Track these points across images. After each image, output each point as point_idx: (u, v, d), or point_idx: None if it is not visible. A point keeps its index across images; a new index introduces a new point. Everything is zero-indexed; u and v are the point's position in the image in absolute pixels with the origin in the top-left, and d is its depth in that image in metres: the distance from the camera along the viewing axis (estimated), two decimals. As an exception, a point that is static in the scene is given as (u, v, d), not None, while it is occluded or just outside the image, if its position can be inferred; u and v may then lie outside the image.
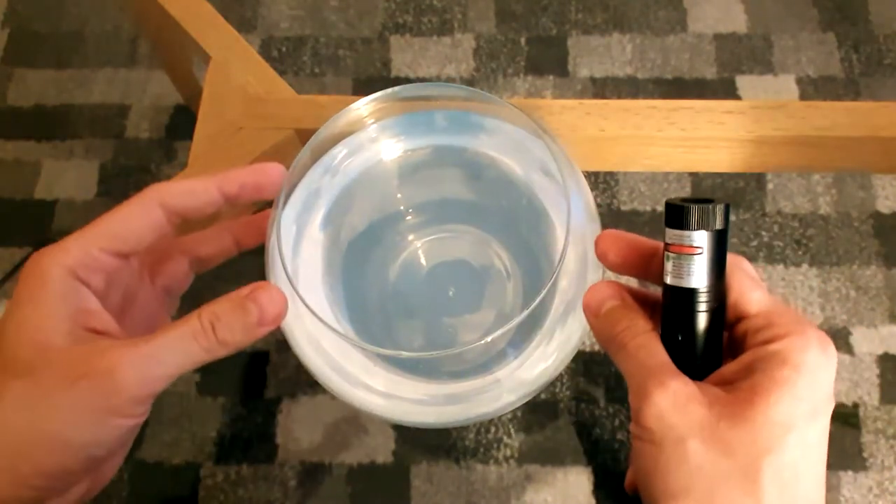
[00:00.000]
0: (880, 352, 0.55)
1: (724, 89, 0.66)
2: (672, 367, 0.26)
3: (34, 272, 0.27)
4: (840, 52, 0.67)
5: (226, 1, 0.71)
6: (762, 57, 0.67)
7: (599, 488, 0.51)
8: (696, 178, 0.62)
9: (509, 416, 0.54)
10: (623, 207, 0.61)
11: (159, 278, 0.33)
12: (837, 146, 0.40)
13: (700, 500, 0.24)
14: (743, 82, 0.66)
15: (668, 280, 0.28)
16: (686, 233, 0.27)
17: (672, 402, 0.25)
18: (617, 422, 0.53)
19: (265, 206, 0.33)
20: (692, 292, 0.27)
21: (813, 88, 0.65)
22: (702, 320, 0.27)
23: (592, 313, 0.29)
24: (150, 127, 0.66)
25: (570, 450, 0.53)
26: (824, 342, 0.26)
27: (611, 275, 0.32)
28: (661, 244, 0.29)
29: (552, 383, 0.54)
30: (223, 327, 0.26)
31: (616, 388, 0.54)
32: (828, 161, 0.41)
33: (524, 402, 0.34)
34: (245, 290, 0.27)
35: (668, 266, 0.28)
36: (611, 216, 0.60)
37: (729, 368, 0.27)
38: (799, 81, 0.66)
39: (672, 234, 0.27)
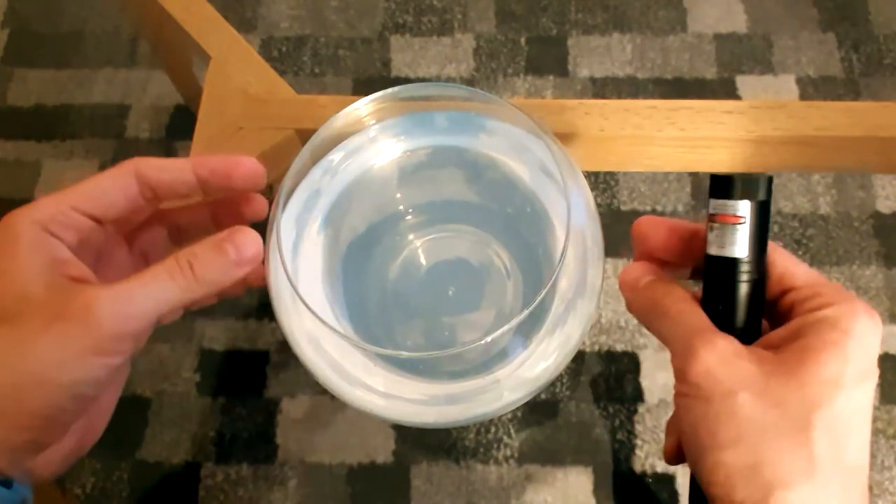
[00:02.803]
0: (880, 352, 0.55)
1: (724, 89, 0.66)
2: (716, 328, 0.27)
3: (6, 229, 0.28)
4: (840, 52, 0.67)
5: (226, 1, 0.71)
6: (762, 57, 0.67)
7: (599, 488, 0.51)
8: (696, 178, 0.62)
9: (509, 416, 0.54)
10: (623, 207, 0.61)
11: (137, 243, 0.33)
12: (837, 146, 0.40)
13: (750, 451, 0.24)
14: (743, 82, 0.66)
15: (712, 250, 0.28)
16: (730, 202, 0.28)
17: (720, 358, 0.25)
18: (617, 422, 0.53)
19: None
20: (735, 262, 0.28)
21: (813, 88, 0.65)
22: (743, 290, 0.28)
23: (630, 287, 0.30)
24: (150, 127, 0.66)
25: (570, 450, 0.53)
26: (871, 312, 0.26)
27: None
28: (699, 226, 0.30)
29: (552, 383, 0.54)
30: (200, 264, 0.27)
31: (616, 388, 0.54)
32: (828, 161, 0.41)
33: (524, 401, 0.34)
34: (222, 234, 0.28)
35: (711, 236, 0.28)
36: (611, 216, 0.60)
37: (776, 334, 0.27)
38: (799, 81, 0.66)
39: (716, 205, 0.28)
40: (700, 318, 0.27)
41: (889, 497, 0.51)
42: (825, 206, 0.60)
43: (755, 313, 0.28)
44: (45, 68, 0.69)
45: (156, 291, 0.26)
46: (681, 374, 0.26)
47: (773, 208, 0.60)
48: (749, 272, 0.28)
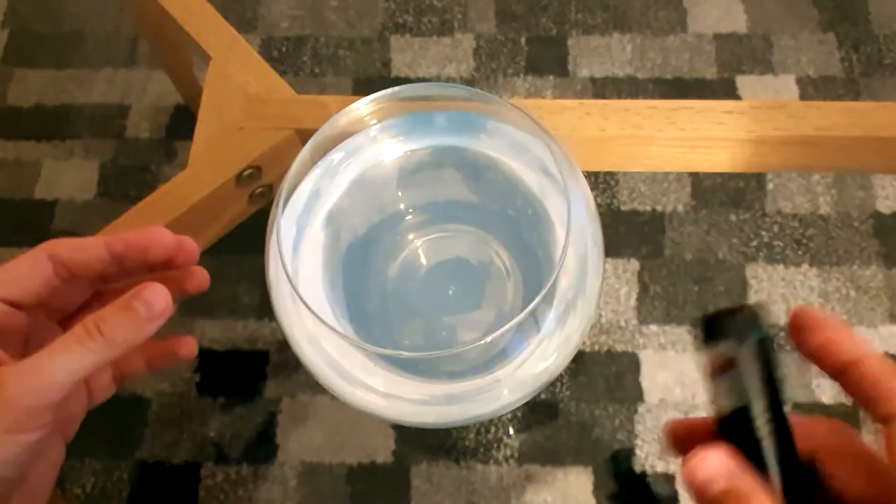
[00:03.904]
0: (880, 352, 0.55)
1: (724, 89, 0.66)
2: None
3: None
4: (840, 52, 0.67)
5: (226, 1, 0.71)
6: (762, 57, 0.67)
7: (599, 488, 0.51)
8: (696, 177, 0.62)
9: (509, 416, 0.54)
10: (623, 207, 0.61)
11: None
12: (837, 146, 0.40)
13: None
14: (743, 82, 0.66)
15: (720, 407, 0.25)
16: (714, 348, 0.25)
17: None
18: (617, 422, 0.53)
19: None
20: (739, 413, 0.24)
21: (813, 88, 0.65)
22: (767, 446, 0.24)
23: (699, 490, 0.25)
24: (150, 127, 0.66)
25: (570, 450, 0.53)
26: None
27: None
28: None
29: (552, 383, 0.54)
30: (108, 327, 0.27)
31: (616, 389, 0.54)
32: (828, 161, 0.41)
33: (524, 402, 0.34)
34: (130, 293, 0.28)
35: (714, 392, 0.25)
36: (611, 216, 0.60)
37: None
38: (799, 81, 0.66)
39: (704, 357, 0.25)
40: None
41: (889, 497, 0.51)
42: (825, 206, 0.60)
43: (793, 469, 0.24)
44: (45, 68, 0.69)
45: (66, 360, 0.26)
46: None
47: (773, 208, 0.60)
48: (764, 423, 0.24)
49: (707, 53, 0.67)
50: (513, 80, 0.67)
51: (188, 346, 0.32)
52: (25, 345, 0.29)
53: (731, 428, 0.25)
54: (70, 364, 0.26)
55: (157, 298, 0.27)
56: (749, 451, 0.24)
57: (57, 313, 0.31)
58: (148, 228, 0.30)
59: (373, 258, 0.40)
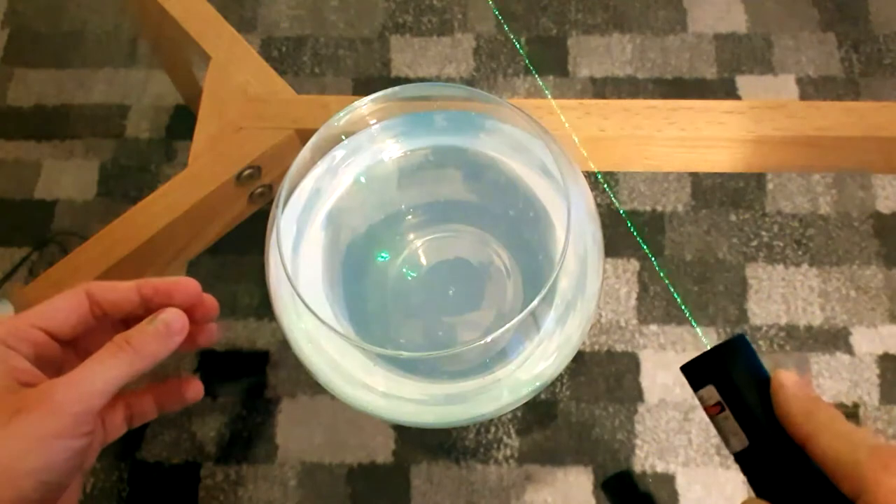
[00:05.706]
0: (880, 352, 0.55)
1: (724, 89, 0.66)
2: None
3: None
4: (840, 52, 0.67)
5: (226, 1, 0.71)
6: (762, 57, 0.67)
7: (599, 488, 0.51)
8: (696, 177, 0.62)
9: (509, 416, 0.54)
10: (623, 207, 0.61)
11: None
12: (837, 146, 0.40)
13: None
14: (743, 82, 0.66)
15: (732, 448, 0.25)
16: (699, 394, 0.25)
17: None
18: (617, 422, 0.53)
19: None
20: (743, 454, 0.24)
21: (813, 88, 0.65)
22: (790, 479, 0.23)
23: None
24: (150, 127, 0.66)
25: (570, 450, 0.53)
26: None
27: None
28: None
29: (552, 383, 0.54)
30: (136, 341, 0.30)
31: (616, 389, 0.54)
32: (828, 161, 0.41)
33: (524, 402, 0.34)
34: (150, 316, 0.31)
35: (721, 434, 0.25)
36: (611, 216, 0.60)
37: None
38: (799, 81, 0.66)
39: (698, 398, 0.25)
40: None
41: (889, 497, 0.51)
42: (825, 206, 0.60)
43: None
44: (45, 68, 0.69)
45: (103, 370, 0.29)
46: None
47: (773, 208, 0.60)
48: (776, 460, 0.23)
49: (707, 53, 0.67)
50: (513, 80, 0.67)
51: (195, 389, 0.35)
52: (56, 374, 0.32)
53: (748, 461, 0.25)
54: (107, 373, 0.29)
55: (174, 318, 0.31)
56: (772, 481, 0.24)
57: (83, 353, 0.33)
58: (177, 278, 0.33)
59: (373, 258, 0.40)
